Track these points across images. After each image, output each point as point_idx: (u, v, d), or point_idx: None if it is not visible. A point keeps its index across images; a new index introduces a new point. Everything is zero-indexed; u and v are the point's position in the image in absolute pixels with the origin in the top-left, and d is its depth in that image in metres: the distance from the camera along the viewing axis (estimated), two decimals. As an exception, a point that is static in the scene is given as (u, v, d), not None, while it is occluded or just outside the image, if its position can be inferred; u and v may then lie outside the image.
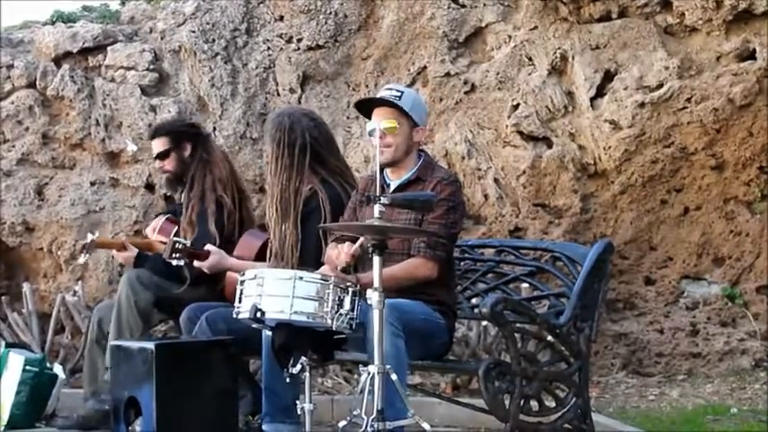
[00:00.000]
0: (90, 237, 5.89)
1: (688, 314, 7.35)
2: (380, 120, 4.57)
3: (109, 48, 7.53)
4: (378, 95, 4.90)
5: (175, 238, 5.38)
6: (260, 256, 5.42)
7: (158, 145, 5.92)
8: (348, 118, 7.49)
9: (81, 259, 6.03)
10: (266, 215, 5.34)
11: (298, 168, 5.22)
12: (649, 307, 7.39)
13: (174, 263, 5.32)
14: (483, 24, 7.42)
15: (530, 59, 7.31)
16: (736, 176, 7.23)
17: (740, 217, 7.29)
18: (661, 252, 7.39)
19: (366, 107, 4.92)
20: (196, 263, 5.43)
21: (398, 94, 4.79)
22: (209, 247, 5.46)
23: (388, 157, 4.76)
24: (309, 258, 5.12)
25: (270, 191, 5.26)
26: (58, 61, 7.52)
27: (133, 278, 5.63)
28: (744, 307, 7.33)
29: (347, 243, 4.69)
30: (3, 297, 7.28)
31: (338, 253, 4.66)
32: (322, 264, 4.99)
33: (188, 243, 5.38)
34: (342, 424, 4.20)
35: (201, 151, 5.85)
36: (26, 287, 7.10)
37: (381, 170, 4.64)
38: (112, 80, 7.49)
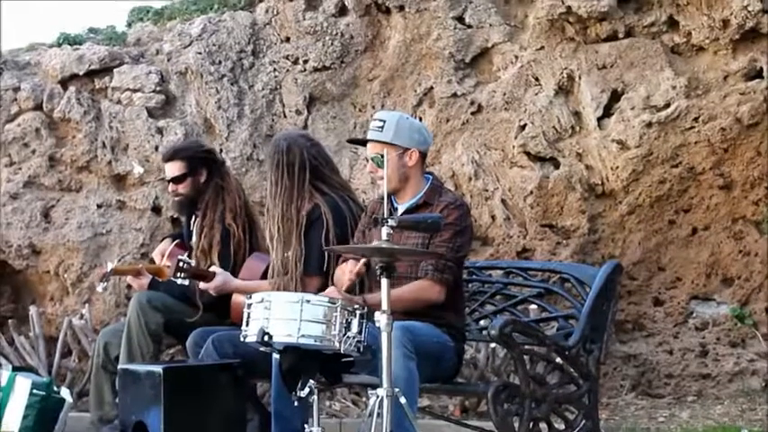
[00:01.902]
0: (109, 265, 5.90)
1: (697, 335, 7.31)
2: (370, 153, 4.82)
3: (115, 70, 7.53)
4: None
5: (180, 257, 5.38)
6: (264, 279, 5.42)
7: (174, 168, 5.88)
8: (355, 139, 7.48)
9: (99, 288, 6.07)
10: (267, 236, 5.34)
11: (298, 188, 5.24)
12: (658, 328, 7.34)
13: (179, 281, 5.32)
14: (489, 45, 7.40)
15: (536, 79, 7.30)
16: (745, 196, 7.20)
17: (749, 237, 7.25)
18: (669, 272, 7.35)
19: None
20: (202, 285, 5.43)
21: (381, 124, 4.78)
22: (214, 268, 5.46)
23: (386, 188, 4.75)
24: (312, 269, 5.15)
25: (271, 212, 5.26)
26: (64, 83, 7.52)
27: (143, 301, 5.61)
28: (753, 327, 7.27)
29: (351, 261, 4.70)
30: (9, 320, 7.27)
31: (342, 273, 4.69)
32: (325, 272, 5.02)
33: (192, 263, 5.38)
34: (350, 447, 4.19)
35: (217, 178, 5.84)
36: (33, 310, 7.09)
37: (389, 194, 4.65)
38: (119, 102, 7.49)
